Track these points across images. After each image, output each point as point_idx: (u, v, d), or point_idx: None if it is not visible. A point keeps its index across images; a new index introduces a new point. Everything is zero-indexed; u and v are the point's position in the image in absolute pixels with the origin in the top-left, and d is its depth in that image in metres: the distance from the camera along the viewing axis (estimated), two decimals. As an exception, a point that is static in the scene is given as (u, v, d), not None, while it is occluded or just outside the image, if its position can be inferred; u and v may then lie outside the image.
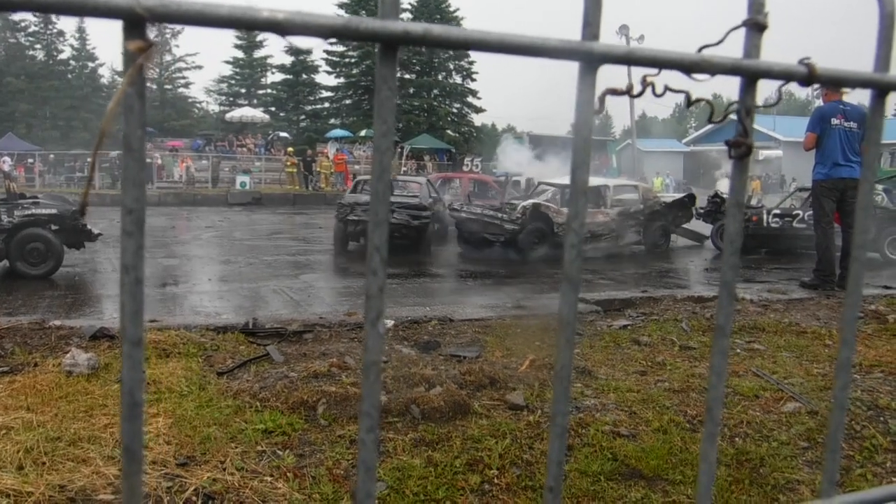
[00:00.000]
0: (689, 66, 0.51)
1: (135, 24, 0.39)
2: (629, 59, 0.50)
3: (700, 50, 0.53)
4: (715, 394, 0.52)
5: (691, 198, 14.28)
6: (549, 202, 12.79)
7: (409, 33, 0.44)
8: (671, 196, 16.98)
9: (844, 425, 0.67)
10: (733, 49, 0.56)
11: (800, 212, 12.46)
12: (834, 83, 0.58)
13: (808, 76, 0.54)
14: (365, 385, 0.44)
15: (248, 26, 0.41)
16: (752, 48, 0.54)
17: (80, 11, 0.37)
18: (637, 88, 0.52)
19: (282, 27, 0.41)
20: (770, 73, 0.54)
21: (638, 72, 0.55)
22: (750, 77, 0.54)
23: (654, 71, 0.51)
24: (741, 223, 0.56)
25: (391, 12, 0.44)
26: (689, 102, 0.55)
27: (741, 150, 0.53)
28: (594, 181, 13.05)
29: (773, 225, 12.49)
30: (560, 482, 0.47)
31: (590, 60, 0.49)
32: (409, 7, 49.59)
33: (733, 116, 0.58)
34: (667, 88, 0.53)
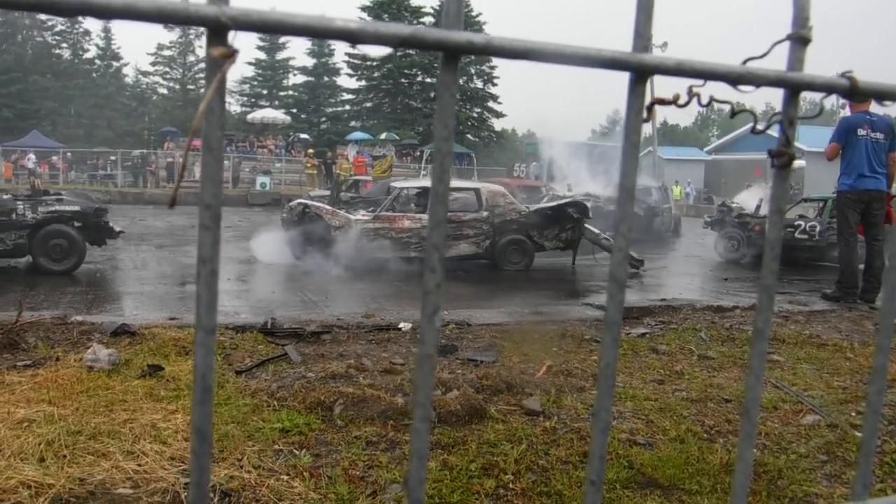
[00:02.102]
0: (735, 78, 0.52)
1: (218, 32, 0.41)
2: (679, 71, 0.52)
3: (745, 62, 0.54)
4: (752, 395, 0.53)
5: (578, 207, 11.56)
6: (323, 204, 11.56)
7: (473, 43, 0.45)
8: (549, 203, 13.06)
9: (863, 436, 0.68)
10: (775, 60, 0.57)
11: (801, 223, 12.26)
12: (876, 96, 0.59)
13: (849, 89, 0.55)
14: (419, 376, 0.45)
15: (322, 35, 0.43)
16: (795, 61, 0.55)
17: (170, 19, 0.39)
18: (683, 98, 0.53)
19: (354, 36, 0.43)
20: (813, 86, 0.55)
21: (663, 81, 0.56)
22: (793, 89, 0.55)
23: (700, 82, 0.52)
24: (781, 230, 0.57)
25: (454, 23, 0.46)
26: (734, 113, 0.56)
27: (783, 159, 0.54)
28: (416, 184, 12.03)
29: None
30: (602, 476, 0.48)
31: (641, 72, 0.50)
32: (432, 11, 49.69)
33: (766, 129, 0.59)
34: (712, 99, 0.54)
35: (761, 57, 0.55)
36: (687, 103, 0.53)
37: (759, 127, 0.57)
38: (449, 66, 0.47)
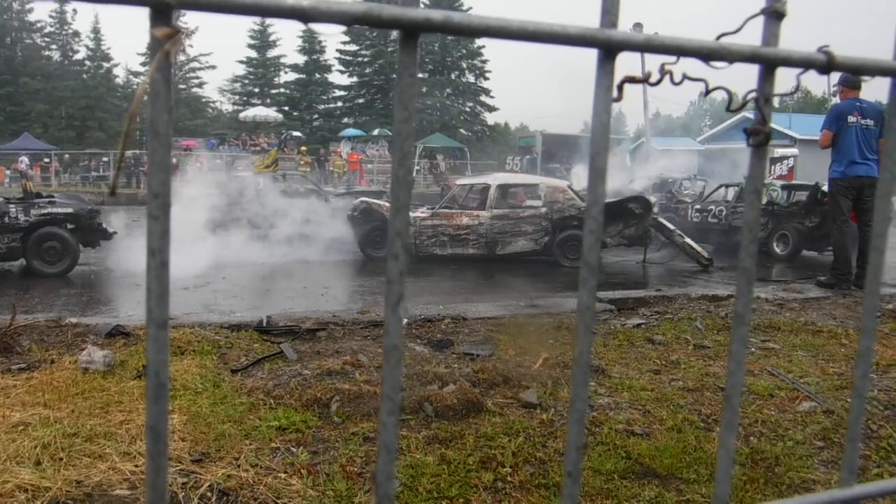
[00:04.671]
0: (707, 54, 0.51)
1: (162, 12, 0.40)
2: (648, 47, 0.50)
3: (718, 38, 0.52)
4: (734, 381, 0.52)
5: (641, 202, 11.03)
6: (382, 201, 11.86)
7: (430, 20, 0.44)
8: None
9: (861, 418, 0.67)
10: (751, 38, 0.56)
11: (712, 207, 13.21)
12: (853, 71, 0.58)
13: (827, 64, 0.54)
14: (386, 369, 0.44)
15: (273, 14, 0.42)
16: (770, 36, 0.54)
17: (112, -1, 0.38)
18: (655, 76, 0.52)
19: (306, 14, 0.41)
20: (789, 61, 0.54)
21: (653, 62, 0.55)
22: (768, 65, 0.54)
23: (672, 59, 0.51)
24: (759, 211, 0.56)
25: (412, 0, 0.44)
26: (708, 91, 0.55)
27: (759, 137, 0.53)
28: (475, 181, 12.11)
29: (694, 219, 13.27)
30: (579, 468, 0.47)
31: (609, 48, 0.49)
32: (422, 3, 49.59)
33: (749, 115, 0.58)
34: (685, 76, 0.53)
35: (735, 32, 0.54)
36: (659, 81, 0.52)
37: (741, 108, 0.56)
38: (407, 46, 0.45)
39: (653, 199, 11.65)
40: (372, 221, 11.18)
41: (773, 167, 26.80)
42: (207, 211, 11.52)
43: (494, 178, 11.60)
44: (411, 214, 11.17)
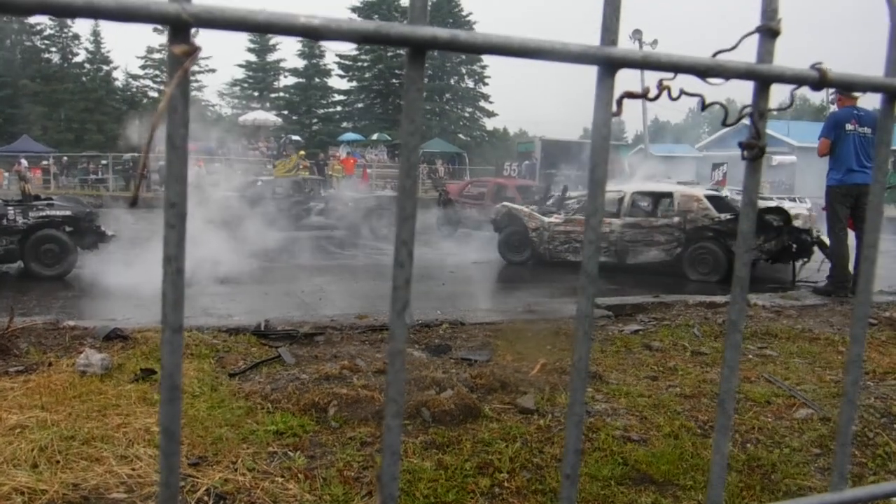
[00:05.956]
0: (703, 71, 0.53)
1: (180, 30, 0.41)
2: (646, 64, 0.52)
3: (715, 55, 0.54)
4: (727, 387, 0.54)
5: (780, 214, 9.99)
6: (521, 206, 12.04)
7: (437, 38, 0.46)
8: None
9: (856, 428, 0.68)
10: (747, 54, 0.57)
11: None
12: (845, 87, 0.59)
13: (819, 80, 0.56)
14: (390, 372, 0.46)
15: (285, 32, 0.43)
16: (765, 53, 0.55)
17: (130, 17, 0.40)
18: (653, 92, 0.53)
19: (318, 32, 0.43)
20: (783, 78, 0.56)
21: (652, 77, 0.57)
22: (763, 81, 0.56)
23: (670, 75, 0.52)
24: (754, 222, 0.57)
25: (420, 18, 0.46)
26: (704, 106, 0.57)
27: (754, 151, 0.54)
28: (609, 188, 12.25)
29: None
30: (577, 470, 0.48)
31: (609, 64, 0.51)
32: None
33: (746, 122, 0.60)
34: (682, 92, 0.54)
35: (731, 49, 0.55)
36: (657, 96, 0.54)
37: (732, 120, 0.57)
38: (415, 62, 0.47)
39: (793, 211, 10.85)
40: (513, 226, 11.47)
41: (712, 173, 26.94)
42: (237, 216, 12.08)
43: (629, 186, 11.42)
44: (545, 220, 11.43)
